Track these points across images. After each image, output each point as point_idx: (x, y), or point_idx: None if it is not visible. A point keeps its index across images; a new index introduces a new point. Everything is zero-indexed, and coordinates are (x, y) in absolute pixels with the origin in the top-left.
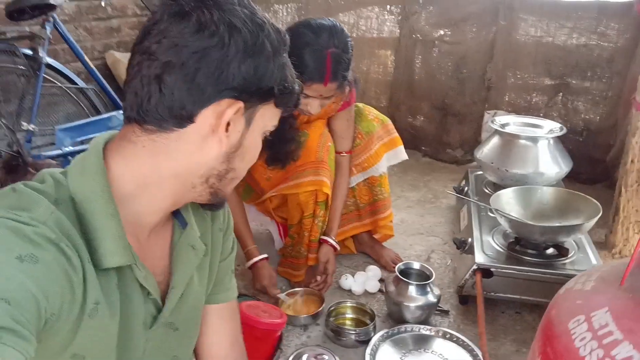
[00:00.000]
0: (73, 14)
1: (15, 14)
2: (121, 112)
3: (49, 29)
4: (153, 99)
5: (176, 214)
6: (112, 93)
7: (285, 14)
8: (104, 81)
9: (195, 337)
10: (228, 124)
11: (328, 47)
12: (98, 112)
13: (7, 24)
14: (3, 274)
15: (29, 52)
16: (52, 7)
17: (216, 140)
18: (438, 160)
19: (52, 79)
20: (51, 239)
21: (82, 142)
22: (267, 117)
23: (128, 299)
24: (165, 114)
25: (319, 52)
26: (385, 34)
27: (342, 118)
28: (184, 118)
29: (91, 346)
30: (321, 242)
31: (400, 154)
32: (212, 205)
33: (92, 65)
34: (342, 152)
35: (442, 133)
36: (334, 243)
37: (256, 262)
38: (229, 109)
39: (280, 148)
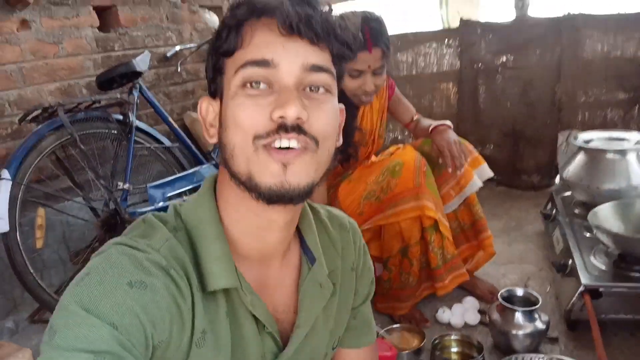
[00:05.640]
0: (153, 81)
1: (105, 84)
2: (204, 166)
3: (136, 94)
4: None
5: (305, 250)
6: (195, 150)
7: None
8: (187, 139)
9: None
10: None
11: (362, 20)
12: (183, 168)
13: (98, 94)
14: (113, 299)
15: (120, 117)
16: (138, 74)
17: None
18: (513, 187)
19: (141, 140)
20: (162, 265)
21: (170, 198)
22: (231, 72)
23: (239, 329)
24: None
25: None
26: (445, 67)
27: (396, 100)
28: None
29: None
30: (432, 132)
31: (487, 170)
32: (265, 195)
33: (176, 126)
34: (412, 118)
35: (515, 160)
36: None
37: None
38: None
39: (346, 144)
